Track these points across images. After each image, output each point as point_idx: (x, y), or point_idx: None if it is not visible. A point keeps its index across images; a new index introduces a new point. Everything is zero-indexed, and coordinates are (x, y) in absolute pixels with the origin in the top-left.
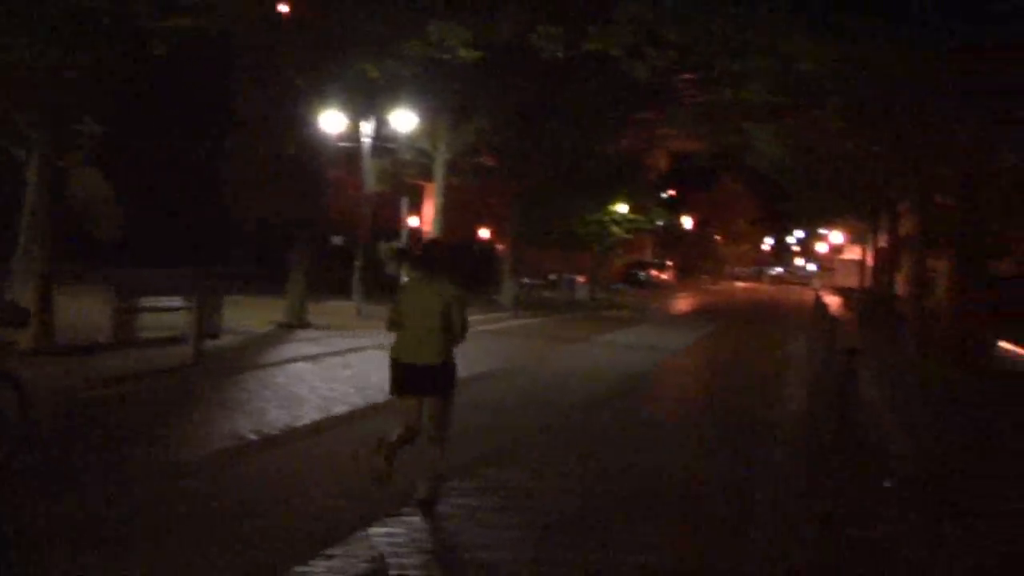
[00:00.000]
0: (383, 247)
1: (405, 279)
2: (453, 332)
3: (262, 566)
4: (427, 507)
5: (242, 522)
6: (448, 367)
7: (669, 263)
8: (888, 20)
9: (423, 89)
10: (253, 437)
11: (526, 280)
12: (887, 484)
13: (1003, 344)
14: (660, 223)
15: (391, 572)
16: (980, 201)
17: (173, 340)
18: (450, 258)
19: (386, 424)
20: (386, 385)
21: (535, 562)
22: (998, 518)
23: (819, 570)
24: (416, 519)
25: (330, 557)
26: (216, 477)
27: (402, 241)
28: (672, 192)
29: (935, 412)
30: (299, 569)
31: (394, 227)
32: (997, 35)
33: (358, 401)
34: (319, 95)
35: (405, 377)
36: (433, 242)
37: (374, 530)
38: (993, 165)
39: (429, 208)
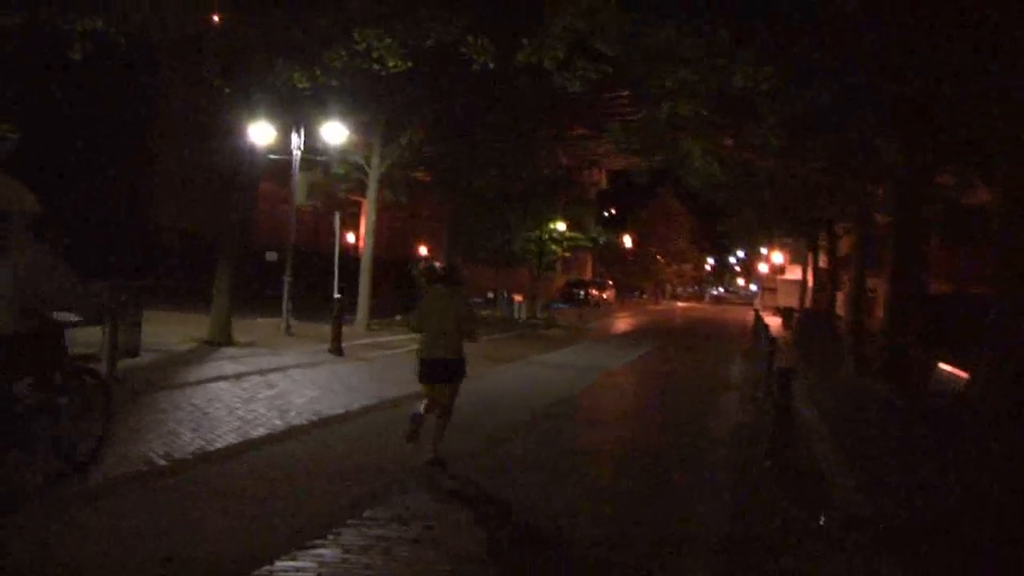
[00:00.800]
0: (415, 269)
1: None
2: (466, 333)
3: None
4: (440, 464)
5: (132, 554)
6: (461, 361)
7: (609, 282)
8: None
9: (353, 101)
10: (162, 462)
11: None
12: (822, 522)
13: (942, 365)
14: (600, 241)
15: None
16: (915, 221)
17: (85, 358)
18: (463, 276)
19: (305, 447)
20: (307, 406)
21: None
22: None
23: None
24: (326, 552)
25: None
26: (111, 507)
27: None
28: (612, 210)
29: (870, 435)
30: None
31: (329, 243)
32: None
33: (278, 423)
34: (246, 105)
35: (430, 370)
36: (452, 264)
37: (281, 564)
38: (926, 185)
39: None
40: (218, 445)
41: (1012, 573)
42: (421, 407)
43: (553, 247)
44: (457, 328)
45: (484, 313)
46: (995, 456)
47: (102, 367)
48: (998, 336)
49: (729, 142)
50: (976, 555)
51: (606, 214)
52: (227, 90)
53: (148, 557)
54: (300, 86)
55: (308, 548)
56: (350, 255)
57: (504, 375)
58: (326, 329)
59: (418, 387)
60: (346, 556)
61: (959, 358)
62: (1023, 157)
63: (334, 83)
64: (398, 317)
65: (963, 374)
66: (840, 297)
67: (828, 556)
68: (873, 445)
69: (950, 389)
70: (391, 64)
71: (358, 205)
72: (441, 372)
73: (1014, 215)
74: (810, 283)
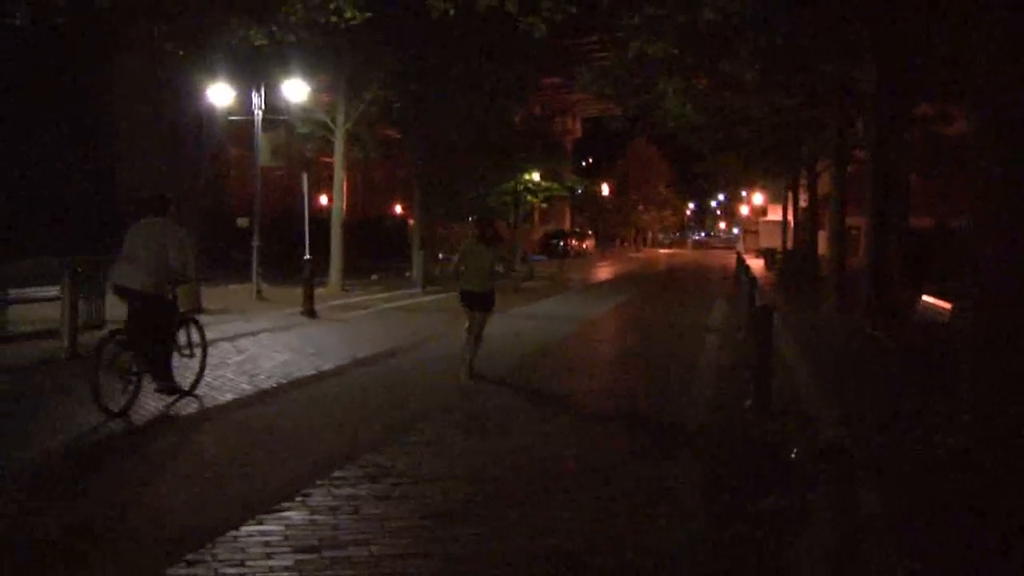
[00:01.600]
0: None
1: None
2: (497, 273)
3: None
4: (479, 377)
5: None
6: (492, 293)
7: (589, 232)
8: None
9: (314, 57)
10: (123, 434)
11: (441, 255)
12: (794, 455)
13: (925, 298)
14: (578, 190)
15: None
16: (893, 154)
17: (50, 333)
18: (500, 235)
19: (274, 410)
20: (277, 369)
21: (421, 555)
22: (917, 479)
23: (728, 547)
24: (293, 514)
25: (191, 564)
26: (65, 482)
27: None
28: (589, 160)
29: (852, 370)
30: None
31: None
32: None
33: (246, 387)
34: (203, 66)
35: (470, 299)
36: (489, 221)
37: (247, 528)
38: (904, 116)
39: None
40: (181, 413)
41: (988, 500)
42: (464, 331)
43: (529, 198)
44: (490, 272)
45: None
46: (976, 384)
47: (62, 342)
48: (978, 268)
49: (703, 81)
50: (952, 481)
51: (583, 163)
52: (180, 52)
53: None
54: (257, 44)
55: (275, 511)
56: (324, 216)
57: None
58: (299, 292)
59: (390, 345)
60: (314, 517)
61: (942, 291)
62: (998, 78)
63: (292, 39)
64: (373, 277)
65: (946, 306)
66: (822, 236)
67: (807, 491)
68: (855, 380)
69: (933, 322)
70: (349, 16)
71: (331, 167)
72: (477, 301)
73: (990, 142)
74: (791, 223)
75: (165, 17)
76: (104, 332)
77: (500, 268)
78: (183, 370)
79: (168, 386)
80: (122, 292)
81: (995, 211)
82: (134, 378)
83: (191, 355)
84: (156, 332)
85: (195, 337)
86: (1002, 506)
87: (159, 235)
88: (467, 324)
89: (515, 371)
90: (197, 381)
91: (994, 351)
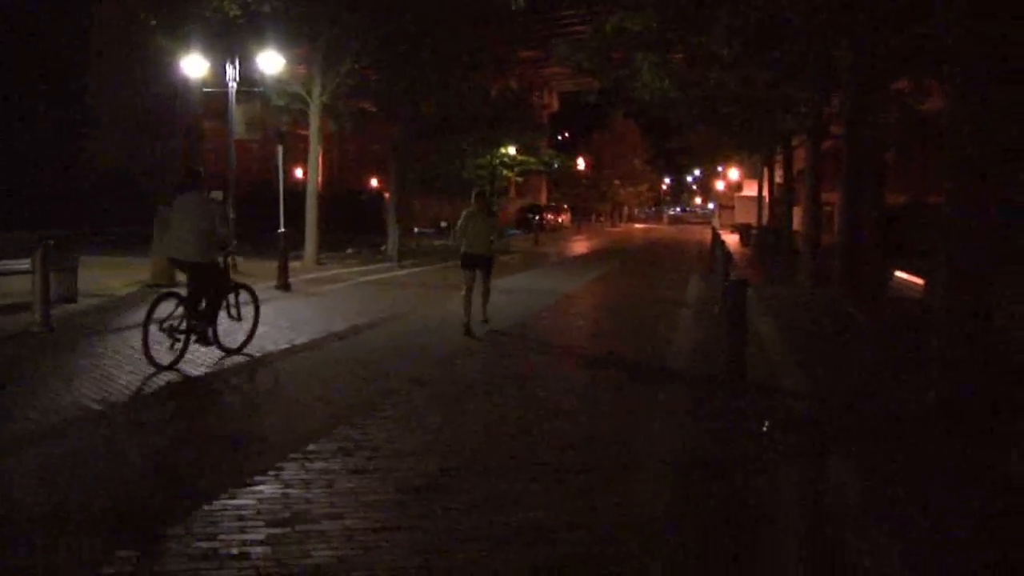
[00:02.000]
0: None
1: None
2: (495, 240)
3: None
4: (491, 329)
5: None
6: (490, 257)
7: (565, 206)
8: None
9: (290, 28)
10: (96, 407)
11: (417, 229)
12: (765, 428)
13: (898, 274)
14: (554, 164)
15: (232, 551)
16: (868, 130)
17: (24, 306)
18: (496, 209)
19: (248, 384)
20: (252, 344)
21: (395, 530)
22: (885, 449)
23: (703, 521)
24: (266, 488)
25: (164, 538)
26: (34, 456)
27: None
28: (566, 134)
29: (825, 344)
30: (124, 554)
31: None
32: None
33: (219, 362)
34: (177, 37)
35: (471, 260)
36: (490, 200)
37: (220, 502)
38: (881, 91)
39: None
40: (157, 386)
41: (958, 470)
42: (463, 292)
43: (505, 172)
44: (488, 238)
45: (436, 243)
46: (945, 358)
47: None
48: (949, 243)
49: (680, 56)
50: (924, 452)
51: (560, 138)
52: (153, 22)
53: (75, 507)
54: (232, 15)
55: (248, 486)
56: (299, 190)
57: (455, 302)
58: (275, 266)
59: (365, 319)
60: (287, 491)
61: (916, 267)
62: (970, 53)
63: (267, 9)
64: (349, 250)
65: (919, 282)
66: (797, 212)
67: (781, 465)
68: (828, 354)
69: (907, 297)
70: None
71: (307, 140)
72: (479, 262)
73: (962, 117)
74: (767, 199)
75: None
76: (160, 292)
77: (493, 237)
78: (234, 332)
79: (209, 342)
80: (176, 264)
81: (966, 186)
82: (182, 336)
83: (238, 318)
84: (206, 295)
85: (245, 300)
86: (968, 473)
87: (197, 208)
88: (464, 289)
89: (491, 345)
90: (247, 341)
91: (963, 326)
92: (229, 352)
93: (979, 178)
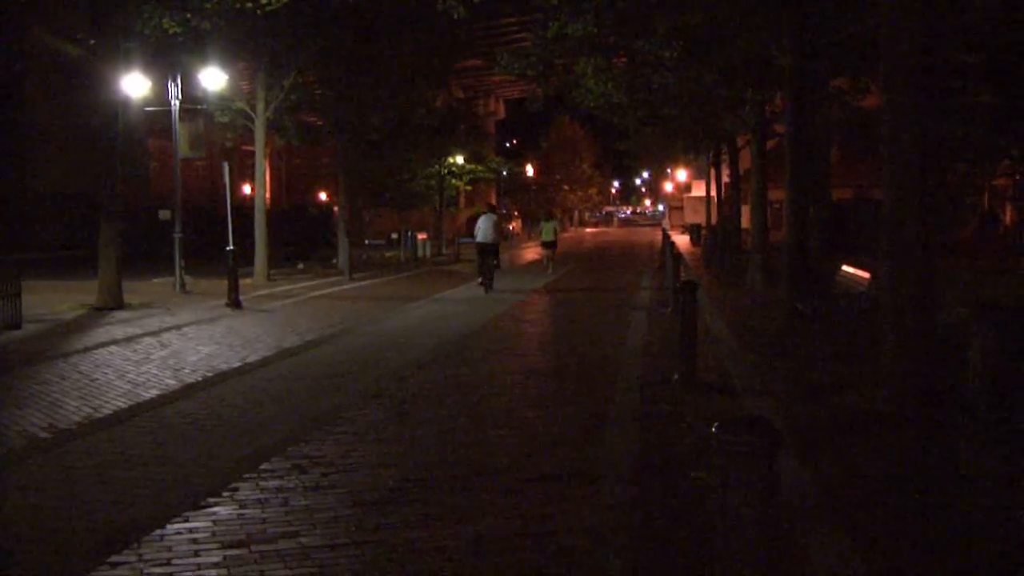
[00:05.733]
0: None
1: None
2: (501, 235)
3: None
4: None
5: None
6: (497, 245)
7: (515, 213)
8: None
9: (231, 44)
10: (44, 435)
11: (368, 241)
12: (715, 429)
13: (844, 268)
14: (503, 172)
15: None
16: (810, 128)
17: None
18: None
19: (201, 404)
20: (202, 362)
21: (351, 545)
22: (837, 444)
23: (656, 525)
24: (221, 509)
25: (114, 566)
26: None
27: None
28: (513, 141)
29: (775, 342)
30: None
31: (222, 195)
32: None
33: (171, 383)
34: (117, 56)
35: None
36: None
37: (173, 527)
38: (821, 90)
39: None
40: (106, 411)
41: (911, 465)
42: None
43: (453, 182)
44: (495, 232)
45: (388, 255)
46: (892, 350)
47: None
48: (890, 236)
49: (623, 60)
50: (876, 448)
51: (507, 144)
52: (92, 41)
53: (28, 536)
54: (172, 32)
55: (203, 508)
56: (247, 206)
57: (410, 314)
58: (224, 284)
59: (316, 334)
60: (242, 512)
61: (863, 262)
62: (898, 49)
63: (207, 26)
64: (299, 265)
65: (865, 275)
66: (745, 210)
67: (732, 466)
68: (778, 351)
69: (853, 291)
70: (265, 1)
71: (253, 156)
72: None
73: (898, 113)
74: (715, 199)
75: (79, 5)
76: None
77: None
78: None
79: None
80: None
81: (903, 180)
82: None
83: None
84: None
85: None
86: (921, 469)
87: None
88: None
89: (443, 356)
90: None
91: (908, 319)
92: None
93: (916, 171)
